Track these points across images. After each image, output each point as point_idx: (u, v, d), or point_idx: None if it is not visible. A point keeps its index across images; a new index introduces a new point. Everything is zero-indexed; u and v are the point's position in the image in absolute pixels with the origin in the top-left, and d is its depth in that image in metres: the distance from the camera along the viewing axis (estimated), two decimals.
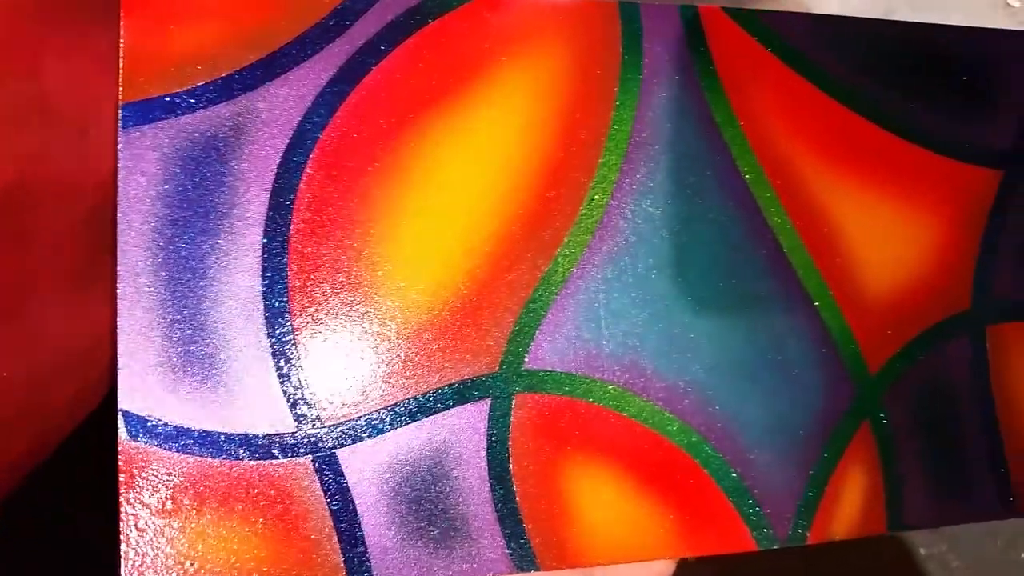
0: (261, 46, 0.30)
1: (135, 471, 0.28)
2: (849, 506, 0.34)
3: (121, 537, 0.27)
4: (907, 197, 0.36)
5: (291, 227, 0.30)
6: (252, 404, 0.29)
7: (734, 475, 0.33)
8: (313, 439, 0.29)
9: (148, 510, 0.27)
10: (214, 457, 0.28)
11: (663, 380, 0.32)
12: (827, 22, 0.35)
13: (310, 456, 0.29)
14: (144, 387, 0.28)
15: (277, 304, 0.29)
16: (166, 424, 0.28)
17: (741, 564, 0.43)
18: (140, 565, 0.27)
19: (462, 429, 0.31)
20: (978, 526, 0.68)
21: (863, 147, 0.35)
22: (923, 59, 0.37)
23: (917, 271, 0.36)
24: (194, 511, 0.28)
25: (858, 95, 0.35)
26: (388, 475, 0.30)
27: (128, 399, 0.28)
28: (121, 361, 0.28)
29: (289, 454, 0.29)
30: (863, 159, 0.35)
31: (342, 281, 0.30)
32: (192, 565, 0.27)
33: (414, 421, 0.30)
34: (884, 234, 0.35)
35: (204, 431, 0.29)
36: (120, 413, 0.28)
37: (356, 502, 0.29)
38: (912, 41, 0.36)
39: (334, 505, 0.29)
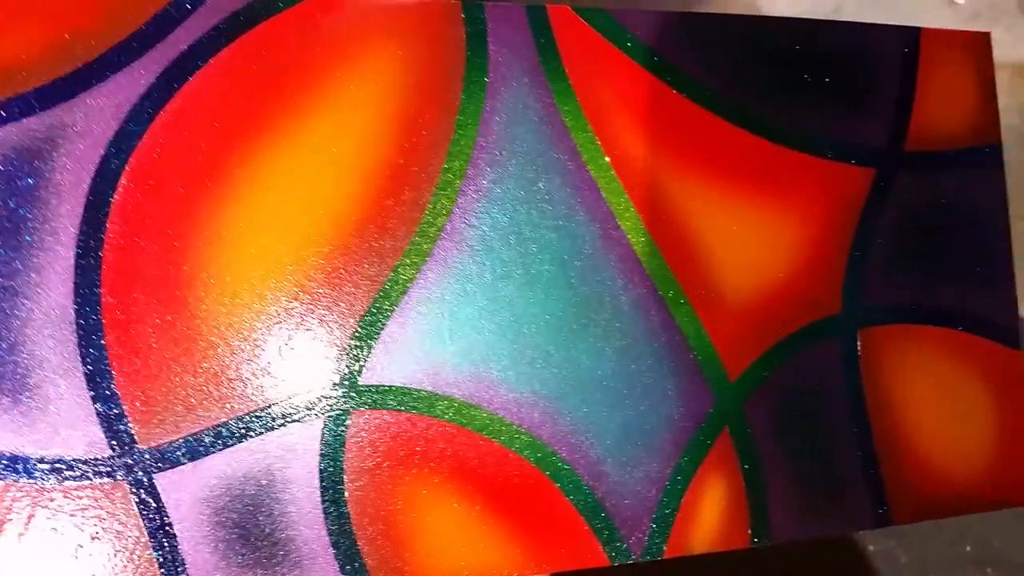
0: (78, 56, 0.29)
1: None
2: (709, 518, 0.33)
3: None
4: (771, 198, 0.35)
5: (105, 242, 0.29)
6: (65, 426, 0.28)
7: (586, 488, 0.32)
8: (129, 463, 0.28)
9: None
10: (25, 480, 0.27)
11: (511, 392, 0.31)
12: (684, 19, 0.34)
13: (126, 480, 0.28)
14: None
15: (90, 322, 0.28)
16: None
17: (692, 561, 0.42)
18: None
19: (292, 450, 0.29)
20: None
21: (722, 148, 0.34)
22: (788, 56, 0.36)
23: (782, 274, 0.35)
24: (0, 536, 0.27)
25: (717, 95, 0.34)
26: (211, 499, 0.28)
27: None
28: None
29: (104, 478, 0.28)
30: (722, 160, 0.34)
31: (161, 297, 0.29)
32: None
33: (240, 442, 0.29)
34: (745, 237, 0.34)
35: (14, 454, 0.27)
36: None
37: (176, 527, 0.28)
38: (776, 37, 0.36)
39: (152, 531, 0.28)
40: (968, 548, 0.67)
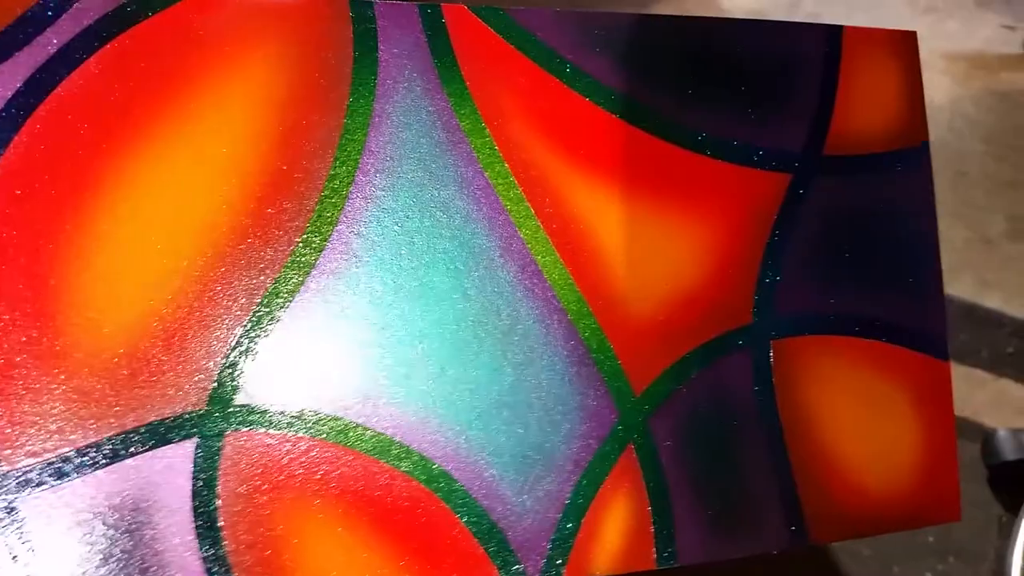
0: None
1: None
2: (611, 539, 0.31)
3: None
4: (680, 205, 0.33)
5: None
6: None
7: (480, 510, 0.30)
8: None
9: None
10: None
11: (400, 410, 0.30)
12: (588, 19, 0.33)
13: None
14: None
15: None
16: None
17: None
18: None
19: (164, 473, 0.28)
20: None
21: (629, 153, 0.33)
22: (702, 57, 0.34)
23: (691, 283, 0.33)
24: None
25: (624, 98, 0.33)
26: (76, 524, 0.27)
27: None
28: None
29: None
30: (629, 166, 0.33)
31: (25, 312, 0.27)
32: None
33: (109, 465, 0.28)
34: (653, 245, 0.33)
35: None
36: None
37: (39, 553, 0.27)
38: (689, 38, 0.34)
39: (15, 557, 0.26)
40: (930, 539, 0.67)
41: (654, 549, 0.32)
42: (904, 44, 0.37)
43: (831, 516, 0.34)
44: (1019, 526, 0.57)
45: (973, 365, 0.76)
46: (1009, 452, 0.70)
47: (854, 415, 0.35)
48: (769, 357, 0.34)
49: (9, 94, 0.28)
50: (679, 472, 0.32)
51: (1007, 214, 0.84)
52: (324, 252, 0.30)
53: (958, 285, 0.80)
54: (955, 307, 0.79)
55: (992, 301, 0.80)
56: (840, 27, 0.36)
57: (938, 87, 0.90)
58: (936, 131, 0.89)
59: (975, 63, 0.92)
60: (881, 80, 0.36)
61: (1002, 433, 0.71)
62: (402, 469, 0.30)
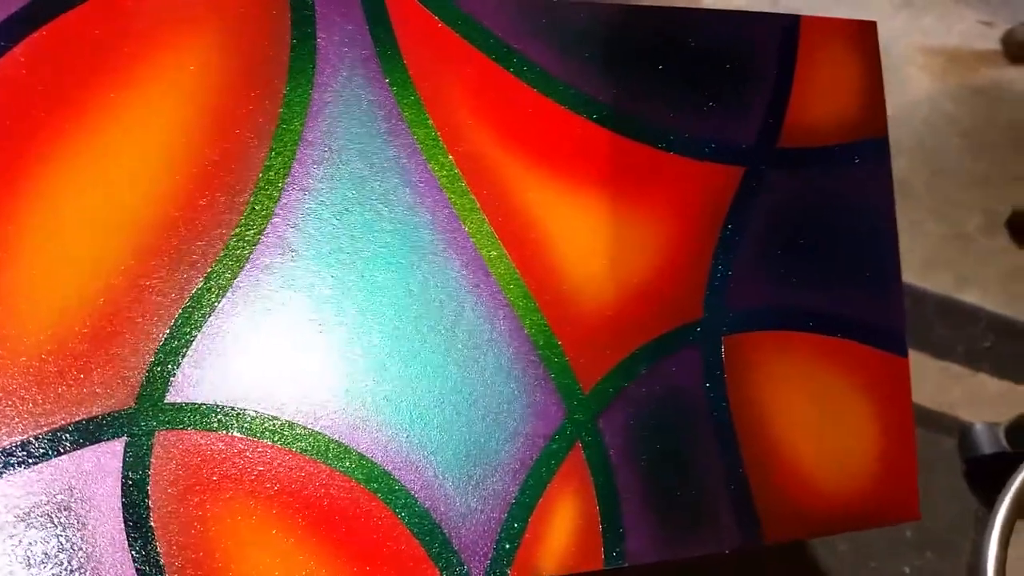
0: None
1: None
2: (558, 539, 0.31)
3: None
4: (630, 199, 0.33)
5: None
6: None
7: (421, 510, 0.29)
8: None
9: None
10: None
11: (339, 409, 0.29)
12: (537, 5, 0.32)
13: None
14: None
15: None
16: None
17: None
18: None
19: (93, 473, 0.27)
20: None
21: (577, 145, 0.32)
22: (654, 47, 0.33)
23: (641, 278, 0.32)
24: None
25: (573, 88, 0.32)
26: (3, 525, 0.26)
27: None
28: None
29: None
30: (577, 158, 0.32)
31: None
32: None
33: (37, 464, 0.27)
34: (602, 239, 0.32)
35: None
36: None
37: None
38: (641, 27, 0.33)
39: None
40: (908, 533, 0.67)
41: (602, 549, 0.31)
42: (863, 34, 0.36)
43: (786, 515, 0.33)
44: (994, 519, 0.57)
45: (950, 360, 0.76)
46: (986, 446, 0.70)
47: (809, 413, 0.34)
48: (721, 353, 0.33)
49: None
50: (628, 470, 0.31)
51: (984, 209, 0.84)
52: (258, 246, 0.29)
53: (935, 280, 0.80)
54: (932, 302, 0.78)
55: (969, 296, 0.80)
56: (797, 17, 0.35)
57: (915, 82, 0.90)
58: (913, 126, 0.89)
59: (953, 58, 0.91)
60: (839, 71, 0.36)
61: (979, 427, 0.71)
62: (340, 469, 0.29)
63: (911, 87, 0.89)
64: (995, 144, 0.87)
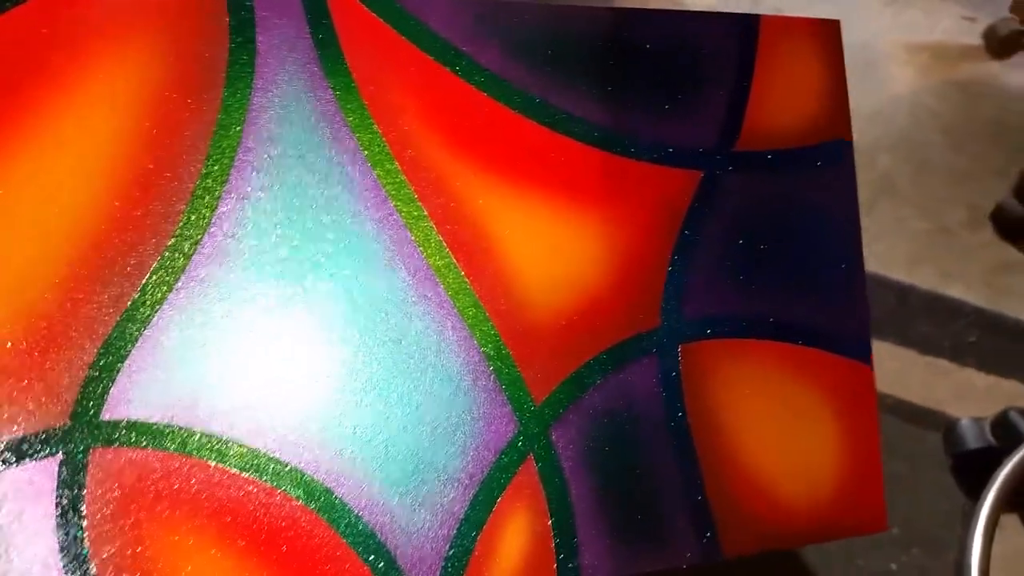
0: None
1: None
2: (509, 555, 0.30)
3: None
4: (583, 205, 0.32)
5: None
6: None
7: (364, 528, 0.29)
8: None
9: None
10: None
11: (277, 424, 0.28)
12: (486, 6, 0.31)
13: None
14: None
15: None
16: None
17: None
18: None
19: (25, 493, 0.26)
20: None
21: (528, 151, 0.31)
22: (610, 48, 0.32)
23: (595, 287, 0.32)
24: None
25: (524, 92, 0.31)
26: None
27: None
28: None
29: None
30: (528, 164, 0.31)
31: None
32: None
33: None
34: (554, 247, 0.31)
35: None
36: None
37: None
38: (596, 29, 0.32)
39: None
40: (895, 530, 0.67)
41: (555, 565, 0.30)
42: (826, 34, 0.35)
43: (745, 527, 0.32)
44: (979, 514, 0.56)
45: (936, 355, 0.76)
46: (972, 441, 0.69)
47: (770, 422, 0.33)
48: (678, 362, 0.32)
49: None
50: (582, 484, 0.31)
51: (967, 204, 0.84)
52: (195, 257, 0.28)
53: (919, 276, 0.80)
54: (916, 298, 0.78)
55: (954, 291, 0.80)
56: (757, 16, 0.34)
57: (899, 78, 0.89)
58: (897, 122, 0.88)
59: (936, 54, 0.91)
60: (800, 72, 0.35)
61: (965, 422, 0.70)
62: (279, 487, 0.28)
63: (894, 83, 0.88)
64: (978, 139, 0.87)
